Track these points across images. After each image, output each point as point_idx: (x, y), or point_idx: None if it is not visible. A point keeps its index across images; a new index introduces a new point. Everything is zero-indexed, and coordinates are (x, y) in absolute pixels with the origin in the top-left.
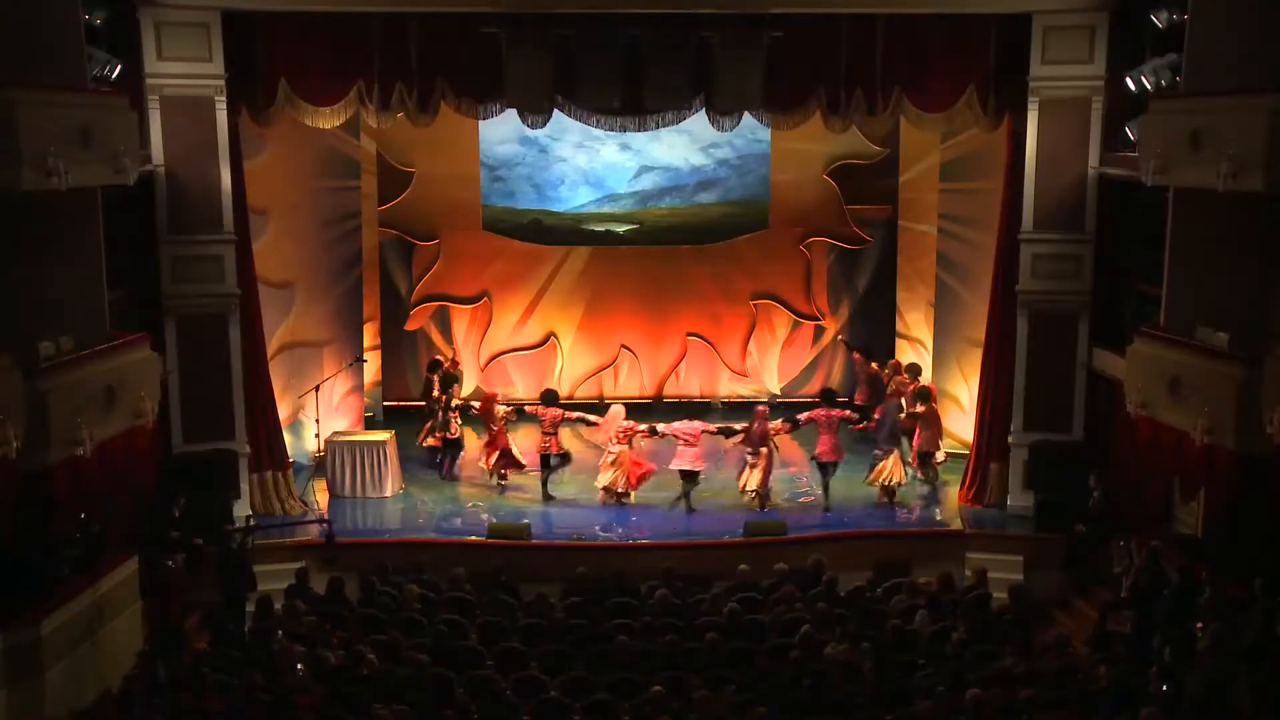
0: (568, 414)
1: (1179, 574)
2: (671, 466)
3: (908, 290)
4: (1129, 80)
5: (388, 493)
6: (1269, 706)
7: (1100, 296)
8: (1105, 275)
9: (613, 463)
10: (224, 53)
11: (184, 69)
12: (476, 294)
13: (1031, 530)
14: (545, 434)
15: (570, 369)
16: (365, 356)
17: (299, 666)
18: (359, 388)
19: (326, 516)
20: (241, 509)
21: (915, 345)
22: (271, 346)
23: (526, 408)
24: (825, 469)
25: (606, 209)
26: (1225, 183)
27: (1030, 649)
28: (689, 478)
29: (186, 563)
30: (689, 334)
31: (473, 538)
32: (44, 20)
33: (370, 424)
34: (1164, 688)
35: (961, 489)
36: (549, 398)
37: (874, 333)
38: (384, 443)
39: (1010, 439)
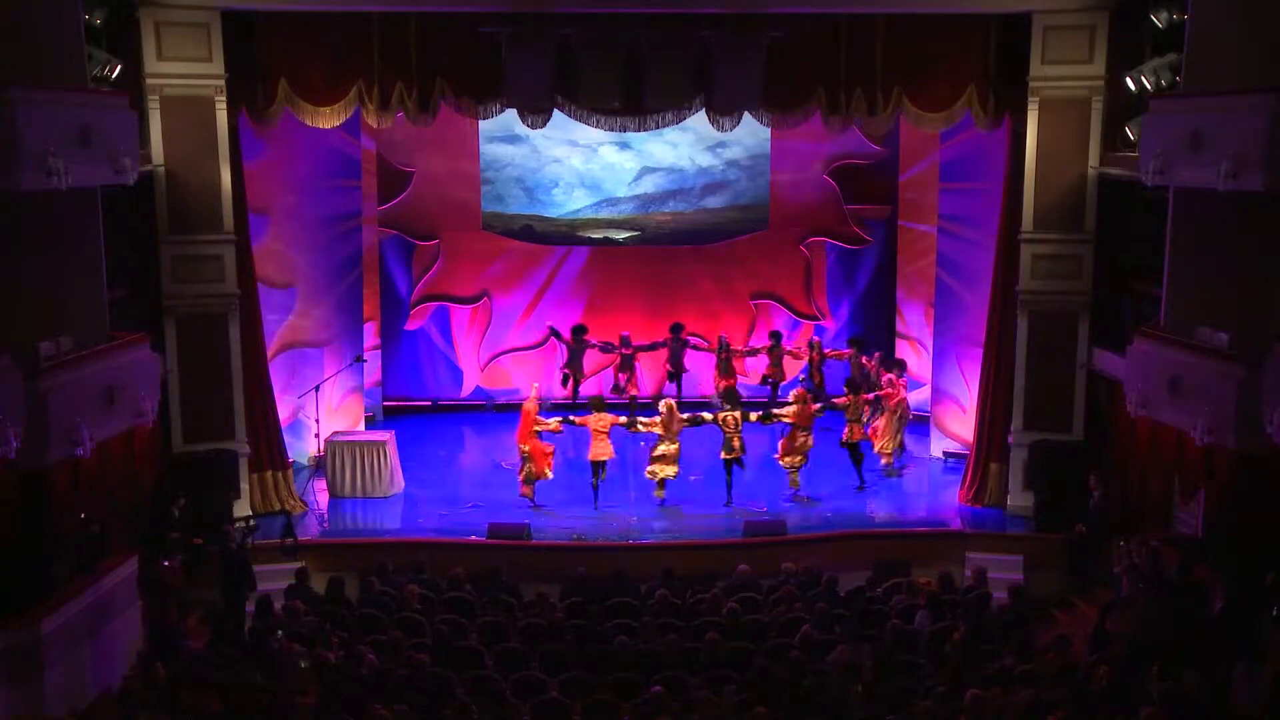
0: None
1: (1179, 574)
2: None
3: (908, 290)
4: (1129, 80)
5: (388, 493)
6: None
7: (1100, 296)
8: (1105, 275)
9: (531, 457)
10: (224, 53)
11: (184, 69)
12: (476, 294)
13: (1031, 530)
14: None
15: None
16: (365, 356)
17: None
18: (359, 388)
19: (289, 509)
20: (241, 509)
21: (915, 345)
22: (271, 346)
23: None
24: (730, 466)
25: (605, 214)
26: (1225, 183)
27: (1030, 649)
28: (600, 468)
29: (184, 563)
30: (689, 334)
31: (473, 538)
32: (44, 20)
33: (370, 424)
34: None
35: (961, 489)
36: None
37: (874, 333)
38: (384, 443)
39: (1010, 439)
